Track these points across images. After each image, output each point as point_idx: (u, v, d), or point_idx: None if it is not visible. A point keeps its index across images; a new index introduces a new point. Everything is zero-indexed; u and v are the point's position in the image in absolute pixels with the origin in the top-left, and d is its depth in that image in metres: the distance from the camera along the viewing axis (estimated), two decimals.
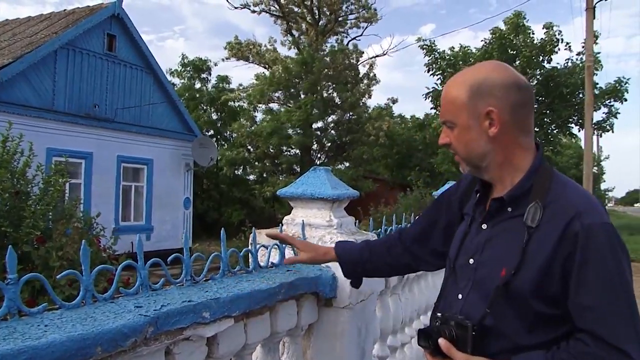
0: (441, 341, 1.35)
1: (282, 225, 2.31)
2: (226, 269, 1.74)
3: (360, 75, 24.67)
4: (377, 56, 26.89)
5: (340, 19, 26.44)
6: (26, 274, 1.16)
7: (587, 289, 1.25)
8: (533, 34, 22.38)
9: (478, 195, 1.51)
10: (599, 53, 19.68)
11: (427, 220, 1.78)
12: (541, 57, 22.13)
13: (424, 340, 1.42)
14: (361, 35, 27.57)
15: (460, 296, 1.46)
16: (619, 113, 22.91)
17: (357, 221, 2.62)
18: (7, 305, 1.07)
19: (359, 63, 24.90)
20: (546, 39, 22.02)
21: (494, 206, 1.43)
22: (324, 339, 2.22)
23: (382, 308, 3.01)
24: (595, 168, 39.95)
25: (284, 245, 2.07)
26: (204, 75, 26.43)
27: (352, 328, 2.23)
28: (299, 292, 1.92)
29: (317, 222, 2.28)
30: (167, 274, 1.50)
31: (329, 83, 23.23)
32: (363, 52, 25.38)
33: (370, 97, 25.60)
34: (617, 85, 22.45)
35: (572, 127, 24.39)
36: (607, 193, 71.59)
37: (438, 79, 23.27)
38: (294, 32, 27.07)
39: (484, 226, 1.45)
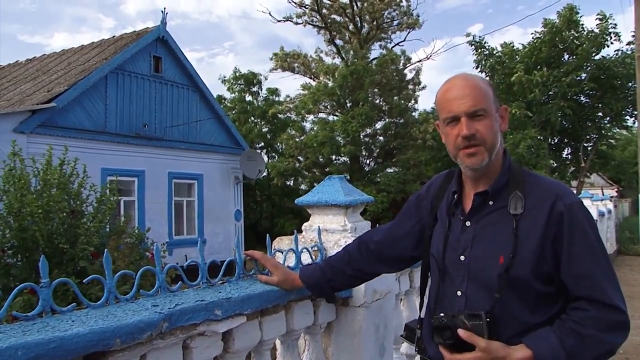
0: (461, 331, 1.40)
1: (302, 232, 2.47)
2: (241, 272, 1.92)
3: (406, 80, 24.54)
4: (421, 60, 26.63)
5: (382, 25, 26.43)
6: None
7: (579, 260, 1.41)
8: (584, 27, 21.68)
9: (456, 195, 1.62)
10: None
11: (396, 226, 1.85)
12: (592, 50, 21.39)
13: (437, 336, 1.46)
14: (404, 40, 27.51)
15: (459, 293, 1.53)
16: None
17: None
18: (41, 305, 1.28)
19: (405, 68, 24.79)
20: (598, 31, 21.27)
21: (477, 200, 1.55)
22: (343, 336, 2.34)
23: (408, 307, 3.12)
24: None
25: (300, 250, 2.23)
26: (254, 89, 27.00)
27: (369, 325, 2.35)
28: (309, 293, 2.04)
29: (332, 227, 2.39)
30: (184, 277, 1.69)
31: (376, 90, 23.22)
32: (410, 58, 25.24)
33: (416, 102, 25.42)
34: None
35: (628, 120, 23.52)
36: None
37: (487, 77, 22.89)
38: (337, 41, 27.23)
39: (468, 223, 1.55)
